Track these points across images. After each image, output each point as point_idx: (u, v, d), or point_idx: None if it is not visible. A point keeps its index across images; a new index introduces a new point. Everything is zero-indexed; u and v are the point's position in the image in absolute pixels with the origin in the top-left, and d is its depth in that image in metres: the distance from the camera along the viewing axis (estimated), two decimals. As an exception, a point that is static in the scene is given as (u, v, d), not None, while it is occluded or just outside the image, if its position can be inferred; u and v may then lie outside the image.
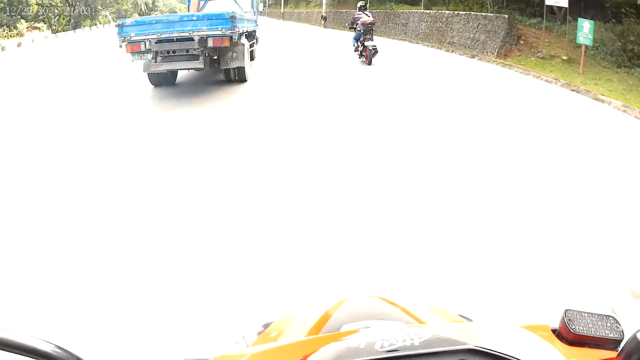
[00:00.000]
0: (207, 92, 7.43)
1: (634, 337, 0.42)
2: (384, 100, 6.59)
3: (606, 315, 0.51)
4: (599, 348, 0.49)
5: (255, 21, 10.05)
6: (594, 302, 1.91)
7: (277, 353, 0.58)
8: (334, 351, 0.48)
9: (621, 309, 1.59)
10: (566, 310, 0.51)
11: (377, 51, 9.86)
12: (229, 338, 1.03)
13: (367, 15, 10.11)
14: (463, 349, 0.44)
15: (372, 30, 10.01)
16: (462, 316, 0.91)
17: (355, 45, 10.48)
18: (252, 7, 10.42)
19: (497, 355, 0.43)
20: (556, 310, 0.54)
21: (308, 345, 0.55)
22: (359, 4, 10.66)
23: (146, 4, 47.14)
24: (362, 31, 9.92)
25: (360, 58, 10.47)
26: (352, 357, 0.45)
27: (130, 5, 41.86)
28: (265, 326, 0.96)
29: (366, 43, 9.86)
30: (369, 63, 9.80)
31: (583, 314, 0.51)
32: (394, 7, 19.26)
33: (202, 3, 10.09)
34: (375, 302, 0.88)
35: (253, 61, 10.13)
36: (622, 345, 0.46)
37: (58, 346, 0.46)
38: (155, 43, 6.43)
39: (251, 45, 9.20)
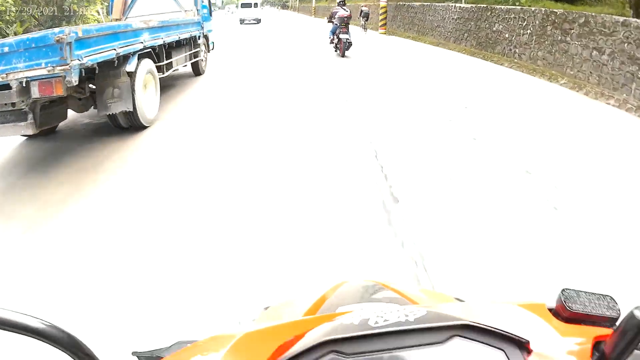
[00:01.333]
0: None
1: (631, 313, 0.41)
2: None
3: (604, 295, 0.51)
4: (595, 325, 0.49)
5: (199, 23, 7.66)
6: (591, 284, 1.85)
7: (270, 332, 0.57)
8: (328, 328, 0.48)
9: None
10: (563, 290, 0.51)
11: (351, 44, 10.66)
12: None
13: (344, 9, 10.67)
14: (457, 324, 0.44)
15: (348, 24, 10.54)
16: (457, 299, 0.90)
17: (331, 37, 11.12)
18: (195, 4, 7.56)
19: (492, 331, 0.44)
20: (553, 291, 0.53)
21: (302, 324, 0.56)
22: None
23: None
24: (338, 24, 10.49)
25: (335, 51, 11.05)
26: (346, 333, 0.45)
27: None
28: (265, 310, 0.99)
29: (341, 36, 10.40)
30: (342, 55, 10.55)
31: (580, 292, 0.51)
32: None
33: (129, 1, 7.29)
34: (371, 286, 0.90)
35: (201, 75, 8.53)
36: (618, 322, 0.45)
37: (51, 324, 0.47)
38: None
39: (192, 56, 7.46)
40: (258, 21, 30.55)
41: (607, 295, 0.50)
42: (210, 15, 8.91)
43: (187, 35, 6.77)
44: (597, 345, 0.46)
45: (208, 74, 8.59)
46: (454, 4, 11.92)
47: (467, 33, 11.04)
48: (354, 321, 0.48)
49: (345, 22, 10.31)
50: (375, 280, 0.92)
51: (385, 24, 16.12)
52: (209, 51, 8.81)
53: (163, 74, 5.72)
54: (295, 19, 31.18)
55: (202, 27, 7.73)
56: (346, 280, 0.92)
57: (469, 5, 11.06)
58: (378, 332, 0.45)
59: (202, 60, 8.24)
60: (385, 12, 15.88)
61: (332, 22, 10.69)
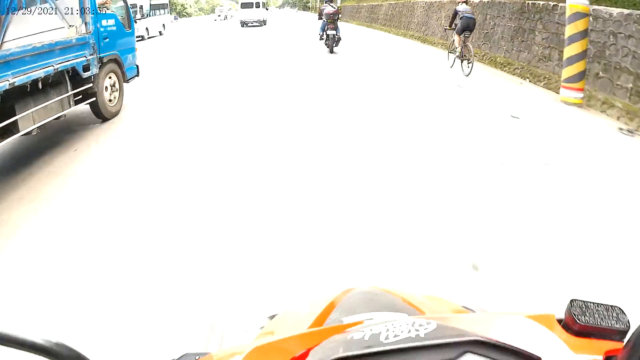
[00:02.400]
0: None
1: None
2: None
3: (612, 306, 0.51)
4: (605, 339, 0.49)
5: (88, 44, 4.94)
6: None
7: (278, 346, 0.57)
8: (338, 343, 0.48)
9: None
10: (572, 300, 0.51)
11: (340, 39, 11.13)
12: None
13: (332, 6, 11.02)
14: (468, 340, 0.43)
15: (336, 20, 10.85)
16: (465, 307, 0.88)
17: (320, 34, 11.72)
18: (82, 15, 4.85)
19: (504, 347, 0.43)
20: (561, 301, 0.53)
21: (311, 337, 0.55)
22: None
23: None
24: (325, 21, 10.98)
25: (326, 47, 11.38)
26: (357, 349, 0.44)
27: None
28: (270, 319, 0.99)
29: (328, 32, 10.89)
30: (331, 51, 11.04)
31: (589, 304, 0.51)
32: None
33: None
34: (378, 294, 0.88)
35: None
36: (628, 336, 0.45)
37: (58, 342, 0.47)
38: None
39: (73, 99, 4.72)
40: (262, 23, 27.33)
41: (616, 307, 0.51)
42: (130, 26, 6.20)
43: (58, 67, 4.20)
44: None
45: (126, 118, 5.67)
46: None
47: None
48: (364, 336, 0.47)
49: (332, 19, 10.79)
50: (382, 287, 0.93)
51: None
52: (126, 81, 6.08)
53: None
54: (310, 22, 26.72)
55: (94, 49, 4.99)
56: (353, 287, 0.92)
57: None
58: (390, 348, 0.44)
59: (107, 98, 5.44)
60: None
61: (322, 19, 11.28)
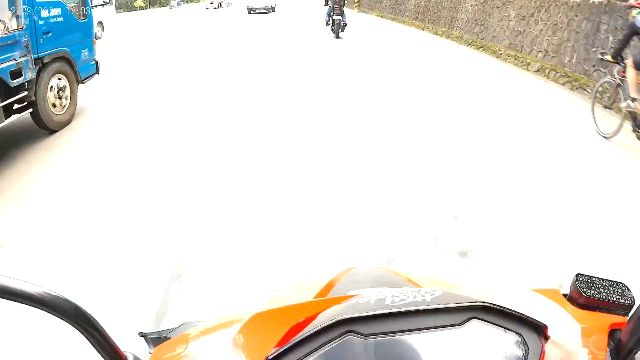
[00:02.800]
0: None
1: None
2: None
3: (617, 282, 0.51)
4: (610, 313, 0.49)
5: (20, 42, 3.99)
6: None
7: (281, 313, 0.57)
8: (343, 307, 0.47)
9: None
10: (577, 275, 0.51)
11: (346, 24, 11.58)
12: None
13: None
14: (476, 305, 0.43)
15: (342, 5, 11.21)
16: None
17: (327, 19, 12.23)
18: (11, 5, 3.95)
19: (510, 314, 0.43)
20: (567, 278, 0.48)
21: (314, 306, 0.55)
22: None
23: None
24: (331, 7, 11.52)
25: (332, 32, 11.90)
26: (362, 312, 0.43)
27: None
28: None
29: (334, 17, 11.32)
30: (337, 36, 11.53)
31: (594, 279, 0.51)
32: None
33: None
34: (381, 272, 0.90)
35: None
36: (632, 311, 0.45)
37: (58, 295, 0.45)
38: None
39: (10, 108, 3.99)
40: (270, 10, 25.65)
41: (621, 283, 0.50)
42: (87, 15, 5.25)
43: None
44: (612, 333, 0.47)
45: (78, 129, 4.68)
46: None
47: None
48: (370, 300, 0.46)
49: (338, 4, 11.13)
50: (384, 267, 0.94)
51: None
52: (80, 81, 5.11)
53: None
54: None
55: (28, 48, 4.06)
56: (355, 266, 0.92)
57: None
58: (396, 311, 0.43)
59: (51, 106, 4.51)
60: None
61: (328, 4, 11.85)
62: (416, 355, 0.42)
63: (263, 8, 25.64)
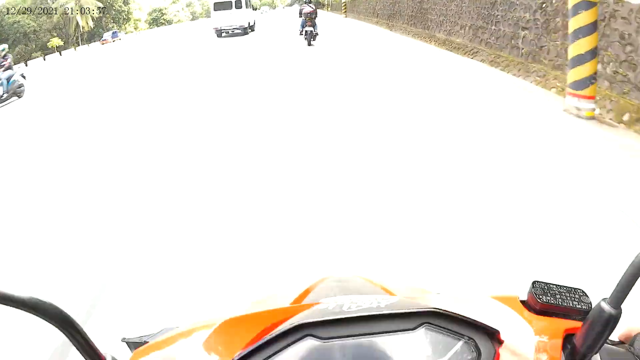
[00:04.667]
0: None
1: (599, 305, 0.43)
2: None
3: (575, 288, 0.51)
4: (567, 318, 0.50)
5: None
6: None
7: (251, 319, 0.59)
8: (305, 313, 0.50)
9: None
10: (534, 282, 0.53)
11: (317, 34, 13.30)
12: None
13: (310, 6, 13.11)
14: (427, 311, 0.45)
15: (313, 18, 13.00)
16: (438, 294, 0.80)
17: (300, 30, 13.78)
18: None
19: (462, 319, 0.45)
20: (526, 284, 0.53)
21: (282, 312, 0.57)
22: None
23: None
24: (304, 19, 13.10)
25: (305, 40, 13.27)
26: (319, 317, 0.46)
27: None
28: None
29: (306, 29, 12.95)
30: (309, 44, 12.91)
31: (551, 285, 0.52)
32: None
33: None
34: (356, 281, 0.90)
35: None
36: (588, 315, 0.46)
37: (45, 301, 0.48)
38: None
39: None
40: (245, 30, 19.84)
41: (579, 289, 0.51)
42: None
43: None
44: (567, 337, 0.48)
45: None
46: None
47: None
48: (329, 307, 0.49)
49: (310, 17, 12.87)
50: (359, 275, 0.94)
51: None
52: None
53: None
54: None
55: None
56: (330, 275, 0.92)
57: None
58: (350, 316, 0.46)
59: None
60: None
61: (302, 17, 13.29)
62: (371, 358, 0.44)
63: (237, 28, 19.75)
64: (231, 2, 19.19)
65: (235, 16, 19.35)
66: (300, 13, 13.36)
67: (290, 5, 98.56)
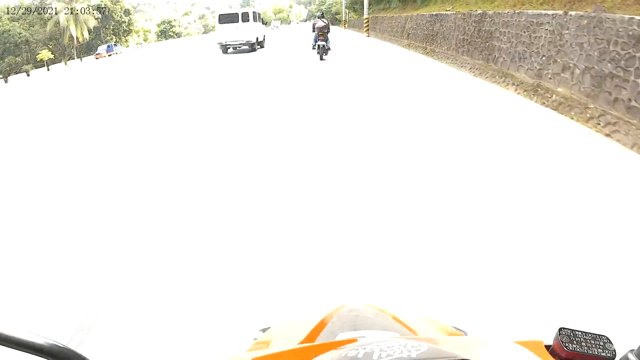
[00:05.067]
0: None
1: (625, 356, 0.45)
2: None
3: (600, 335, 0.52)
4: None
5: None
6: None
7: (274, 359, 0.59)
8: (332, 359, 0.49)
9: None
10: (560, 329, 0.53)
11: (329, 48, 13.48)
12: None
13: (322, 21, 13.25)
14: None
15: (326, 32, 13.11)
16: (456, 328, 0.89)
17: (313, 44, 14.05)
18: None
19: None
20: (550, 329, 0.53)
21: (304, 353, 0.57)
22: (317, 14, 14.02)
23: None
24: (317, 34, 13.33)
25: (317, 55, 13.41)
26: None
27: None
28: (263, 331, 1.02)
29: (319, 43, 13.16)
30: (321, 58, 13.14)
31: (577, 332, 0.53)
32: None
33: None
34: (371, 312, 0.90)
35: None
36: None
37: (57, 343, 0.48)
38: None
39: None
40: (253, 47, 18.41)
41: (603, 336, 0.52)
42: None
43: None
44: None
45: None
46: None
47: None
48: (358, 354, 0.48)
49: (322, 32, 13.14)
50: (374, 305, 0.94)
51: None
52: None
53: None
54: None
55: None
56: (345, 304, 0.93)
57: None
58: None
59: None
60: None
61: (315, 31, 13.56)
62: None
63: (243, 43, 18.05)
64: (237, 14, 18.03)
65: (241, 30, 18.03)
66: (314, 28, 13.77)
67: (305, 20, 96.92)
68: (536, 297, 1.99)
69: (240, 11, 18.23)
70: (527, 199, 3.02)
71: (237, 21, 17.99)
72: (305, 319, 0.88)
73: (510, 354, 0.51)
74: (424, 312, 1.88)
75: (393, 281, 2.22)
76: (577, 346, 0.50)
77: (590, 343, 0.51)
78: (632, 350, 0.44)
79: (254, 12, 18.66)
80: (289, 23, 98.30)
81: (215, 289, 2.27)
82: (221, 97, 8.57)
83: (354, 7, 35.87)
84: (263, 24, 20.56)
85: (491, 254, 2.38)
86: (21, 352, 0.45)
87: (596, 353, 0.50)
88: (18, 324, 1.08)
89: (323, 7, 54.69)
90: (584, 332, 0.52)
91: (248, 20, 18.05)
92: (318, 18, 13.62)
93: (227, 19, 18.09)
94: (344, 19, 40.24)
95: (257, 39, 18.81)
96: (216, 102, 8.00)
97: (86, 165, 4.88)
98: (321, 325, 0.82)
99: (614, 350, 0.50)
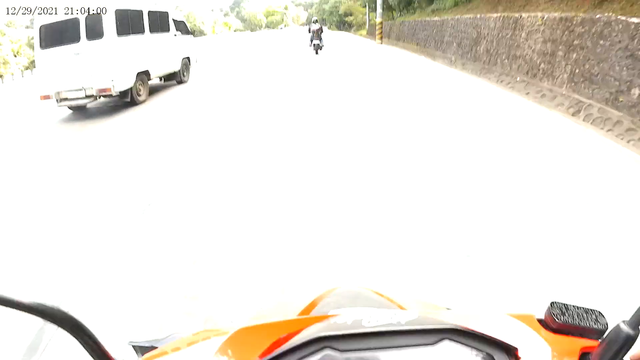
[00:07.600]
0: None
1: (617, 326, 0.44)
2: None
3: (592, 309, 0.51)
4: (583, 337, 0.50)
5: None
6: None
7: (265, 328, 0.59)
8: (322, 326, 0.49)
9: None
10: (552, 302, 0.52)
11: (323, 46, 17.51)
12: None
13: (316, 25, 17.25)
14: (448, 327, 0.45)
15: (320, 34, 17.07)
16: (448, 309, 0.86)
17: (310, 43, 17.62)
18: None
19: (481, 336, 0.45)
20: (542, 304, 0.52)
21: (296, 323, 0.57)
22: (312, 19, 19.06)
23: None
24: (312, 35, 17.27)
25: (313, 51, 17.44)
26: (340, 331, 0.46)
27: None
28: (256, 310, 1.12)
29: (314, 42, 17.06)
30: (316, 53, 17.09)
31: (569, 306, 0.52)
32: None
33: None
34: (363, 292, 0.90)
35: None
36: (605, 335, 0.46)
37: (57, 308, 0.49)
38: None
39: None
40: (131, 99, 8.29)
41: (595, 310, 0.51)
42: None
43: None
44: (583, 356, 0.48)
45: None
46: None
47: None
48: (347, 320, 0.49)
49: (316, 33, 16.99)
50: (367, 287, 0.93)
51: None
52: None
53: None
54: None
55: None
56: (339, 285, 0.93)
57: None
58: (371, 331, 0.45)
59: None
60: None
61: (310, 33, 17.66)
62: None
63: (88, 96, 7.72)
64: (77, 20, 7.59)
65: (87, 63, 7.69)
66: (309, 30, 17.90)
67: (305, 24, 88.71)
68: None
69: (81, 16, 7.64)
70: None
71: (78, 40, 7.65)
72: (298, 299, 0.88)
73: (501, 325, 0.51)
74: (419, 296, 1.94)
75: (390, 269, 2.35)
76: (569, 318, 0.50)
77: (582, 316, 0.50)
78: (624, 321, 0.43)
79: (156, 12, 9.58)
80: (282, 27, 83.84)
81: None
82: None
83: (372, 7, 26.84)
84: (186, 33, 11.56)
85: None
86: (15, 311, 0.46)
87: (588, 325, 0.49)
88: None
89: (326, 7, 52.83)
90: (575, 306, 0.52)
91: (101, 37, 7.66)
92: (312, 23, 17.92)
93: (56, 36, 7.75)
94: (354, 23, 34.21)
95: (166, 75, 10.60)
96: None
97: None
98: (314, 304, 0.82)
99: (606, 323, 0.49)
